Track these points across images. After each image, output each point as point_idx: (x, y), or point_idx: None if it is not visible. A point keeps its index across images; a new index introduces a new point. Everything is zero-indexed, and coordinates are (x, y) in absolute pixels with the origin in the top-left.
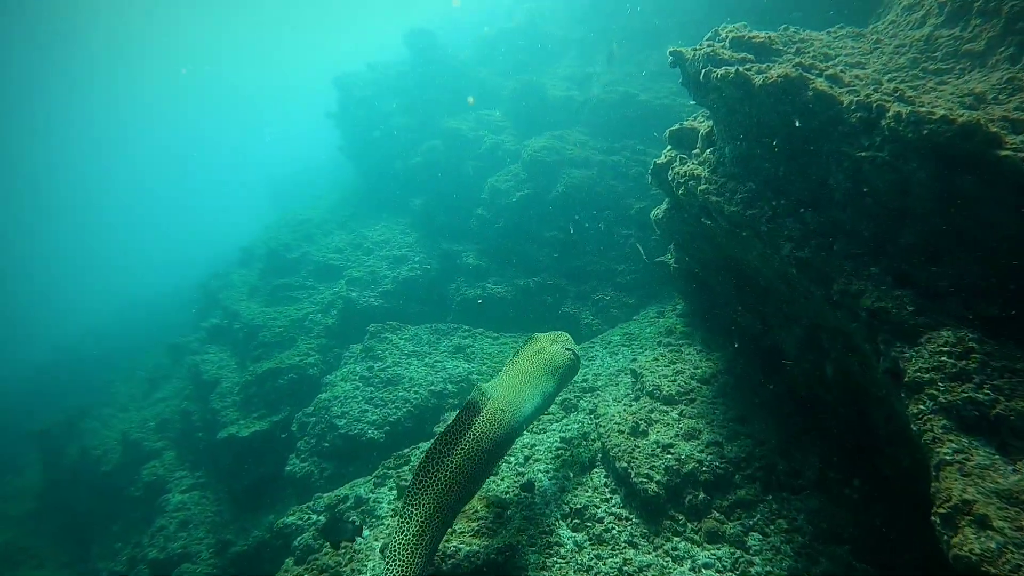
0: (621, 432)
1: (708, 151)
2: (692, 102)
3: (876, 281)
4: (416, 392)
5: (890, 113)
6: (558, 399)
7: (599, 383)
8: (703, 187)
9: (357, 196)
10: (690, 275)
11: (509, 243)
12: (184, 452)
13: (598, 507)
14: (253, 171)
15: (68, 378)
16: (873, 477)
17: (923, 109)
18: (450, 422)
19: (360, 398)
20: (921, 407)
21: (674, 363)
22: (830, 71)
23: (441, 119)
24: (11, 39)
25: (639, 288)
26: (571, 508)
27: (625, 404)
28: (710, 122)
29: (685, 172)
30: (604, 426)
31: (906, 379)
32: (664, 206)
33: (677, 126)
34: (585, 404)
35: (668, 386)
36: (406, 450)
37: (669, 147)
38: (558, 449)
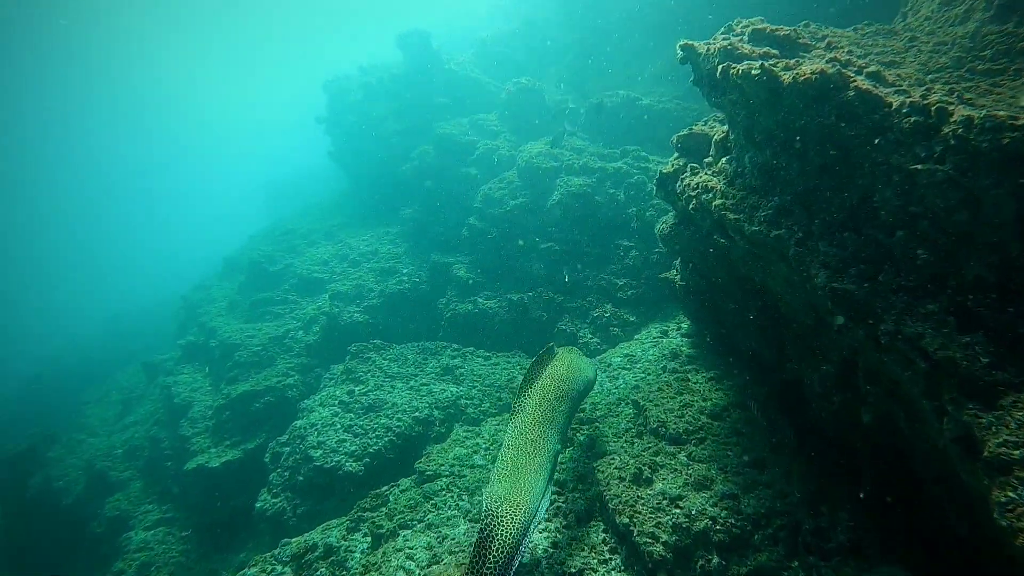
0: (622, 479)
1: (723, 160)
2: (699, 106)
3: (935, 322)
4: (399, 420)
5: (955, 118)
6: None
7: (597, 413)
8: (719, 202)
9: (346, 204)
10: (698, 295)
11: (503, 255)
12: (152, 483)
13: (595, 570)
14: (251, 177)
15: (47, 397)
16: (918, 542)
17: (1002, 113)
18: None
19: (338, 426)
20: (1011, 495)
21: (681, 394)
22: (871, 68)
23: (434, 124)
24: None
25: (641, 304)
26: (565, 571)
27: (626, 441)
28: (725, 127)
29: (697, 184)
30: (602, 470)
31: (986, 454)
32: (670, 220)
33: (686, 131)
34: (582, 438)
35: (675, 423)
36: (384, 488)
37: (676, 155)
38: (552, 495)
